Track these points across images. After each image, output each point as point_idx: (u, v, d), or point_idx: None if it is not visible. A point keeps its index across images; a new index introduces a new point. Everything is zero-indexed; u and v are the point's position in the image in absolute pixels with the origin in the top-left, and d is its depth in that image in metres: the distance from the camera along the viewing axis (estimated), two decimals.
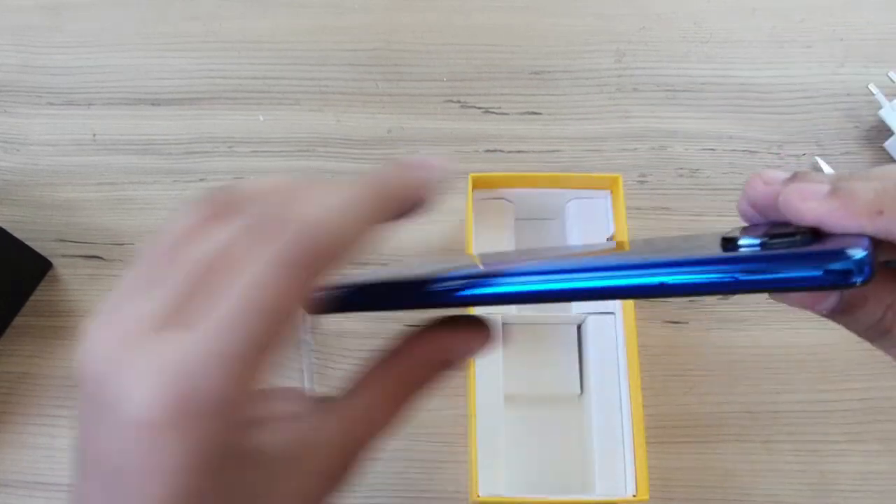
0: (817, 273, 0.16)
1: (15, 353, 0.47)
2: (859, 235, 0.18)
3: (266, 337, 0.16)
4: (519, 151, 0.52)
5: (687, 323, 0.47)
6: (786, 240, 0.18)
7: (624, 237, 0.43)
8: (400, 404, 0.21)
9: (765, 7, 0.56)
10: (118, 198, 0.51)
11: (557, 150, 0.52)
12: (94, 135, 0.52)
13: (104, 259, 0.49)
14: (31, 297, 0.48)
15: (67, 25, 0.55)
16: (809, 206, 0.18)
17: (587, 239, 0.45)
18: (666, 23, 0.56)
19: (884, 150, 0.52)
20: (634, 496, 0.39)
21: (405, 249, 0.49)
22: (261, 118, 0.53)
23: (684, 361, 0.47)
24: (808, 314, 0.51)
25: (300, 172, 0.51)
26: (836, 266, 0.16)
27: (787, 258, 0.17)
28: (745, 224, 0.22)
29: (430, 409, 0.45)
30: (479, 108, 0.53)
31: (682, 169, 0.51)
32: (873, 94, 0.52)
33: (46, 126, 0.53)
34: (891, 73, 0.51)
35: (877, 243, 0.18)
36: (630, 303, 0.42)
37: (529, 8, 0.56)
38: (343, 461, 0.20)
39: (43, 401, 0.46)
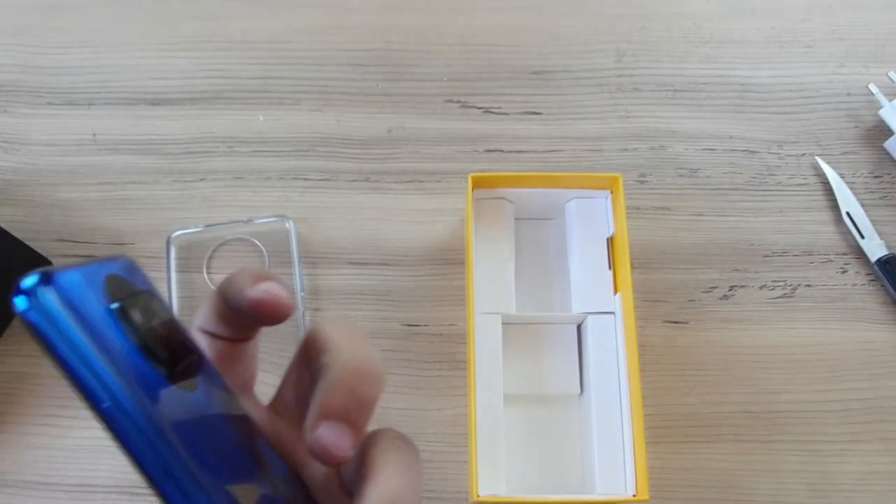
0: None
1: (15, 353, 0.47)
2: None
3: None
4: (519, 151, 0.52)
5: (687, 323, 0.47)
6: None
7: (624, 237, 0.43)
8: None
9: (765, 7, 0.56)
10: (118, 198, 0.51)
11: (557, 150, 0.52)
12: (94, 135, 0.52)
13: None
14: None
15: (67, 25, 0.55)
16: None
17: (587, 238, 0.45)
18: (666, 23, 0.56)
19: (884, 150, 0.52)
20: (634, 496, 0.39)
21: (407, 250, 0.49)
22: (261, 118, 0.53)
23: (684, 361, 0.47)
24: (809, 315, 0.51)
25: (300, 172, 0.51)
26: None
27: None
28: None
29: (430, 409, 0.45)
30: (479, 108, 0.53)
31: (681, 169, 0.51)
32: (873, 94, 0.52)
33: (46, 126, 0.53)
34: (891, 73, 0.51)
35: None
36: (630, 303, 0.42)
37: (529, 8, 0.56)
38: None
39: (43, 401, 0.46)
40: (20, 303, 0.16)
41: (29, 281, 0.16)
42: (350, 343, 0.20)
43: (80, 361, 0.16)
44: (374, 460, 0.20)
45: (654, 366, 0.46)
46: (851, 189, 0.50)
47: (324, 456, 0.19)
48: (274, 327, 0.21)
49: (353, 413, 0.19)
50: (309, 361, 0.21)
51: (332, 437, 0.19)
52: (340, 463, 0.19)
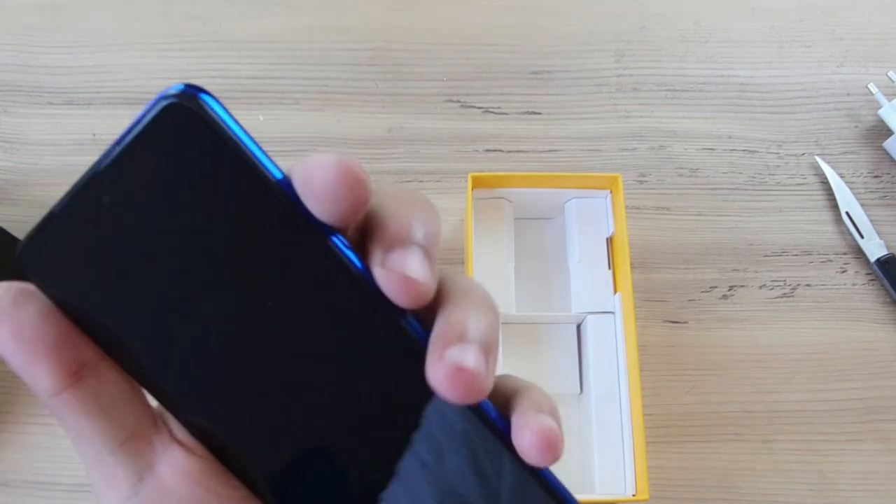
0: None
1: None
2: None
3: None
4: (519, 151, 0.52)
5: (687, 323, 0.47)
6: None
7: (624, 237, 0.43)
8: None
9: (765, 7, 0.56)
10: None
11: (557, 150, 0.52)
12: (94, 135, 0.52)
13: None
14: None
15: (67, 25, 0.55)
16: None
17: (587, 238, 0.45)
18: (666, 22, 0.56)
19: (883, 149, 0.52)
20: (634, 496, 0.39)
21: None
22: (261, 118, 0.53)
23: (684, 361, 0.47)
24: (808, 315, 0.50)
25: None
26: None
27: None
28: None
29: None
30: (479, 107, 0.53)
31: (681, 169, 0.51)
32: (873, 94, 0.52)
33: (46, 126, 0.53)
34: (890, 73, 0.51)
35: None
36: (630, 302, 0.42)
37: (529, 8, 0.56)
38: None
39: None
40: (191, 94, 0.16)
41: (179, 87, 0.16)
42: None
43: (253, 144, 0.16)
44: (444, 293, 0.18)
45: (654, 365, 0.46)
46: (851, 189, 0.50)
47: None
48: None
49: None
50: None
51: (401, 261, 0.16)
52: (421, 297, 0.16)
